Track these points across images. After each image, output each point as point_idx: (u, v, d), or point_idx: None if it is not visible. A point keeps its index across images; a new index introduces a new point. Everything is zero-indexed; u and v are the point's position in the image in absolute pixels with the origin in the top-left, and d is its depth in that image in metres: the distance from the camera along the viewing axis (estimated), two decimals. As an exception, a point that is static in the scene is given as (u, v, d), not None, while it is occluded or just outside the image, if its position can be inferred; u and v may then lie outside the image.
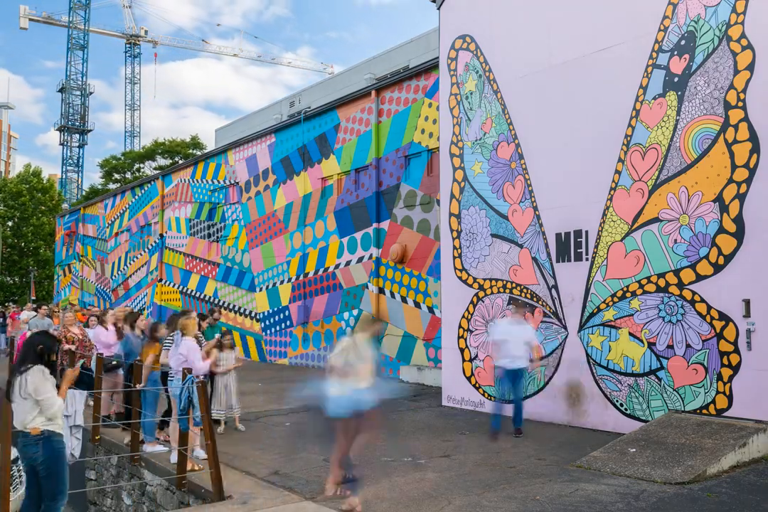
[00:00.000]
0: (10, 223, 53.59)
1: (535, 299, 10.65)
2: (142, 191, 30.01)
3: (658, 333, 9.01)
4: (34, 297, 46.89)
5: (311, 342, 18.81)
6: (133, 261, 30.30)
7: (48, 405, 5.50)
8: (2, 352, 22.76)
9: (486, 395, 11.35)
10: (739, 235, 8.27)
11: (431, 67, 15.51)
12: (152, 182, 29.20)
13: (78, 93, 74.54)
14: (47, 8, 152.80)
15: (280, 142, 20.83)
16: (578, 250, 10.06)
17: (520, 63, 11.11)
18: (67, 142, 74.65)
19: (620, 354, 9.42)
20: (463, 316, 11.85)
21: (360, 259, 17.26)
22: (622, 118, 9.57)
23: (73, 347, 11.21)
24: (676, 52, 9.06)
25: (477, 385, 11.51)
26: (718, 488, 6.59)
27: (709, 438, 7.67)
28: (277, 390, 14.02)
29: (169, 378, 8.28)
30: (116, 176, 59.97)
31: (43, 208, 55.46)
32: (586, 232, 9.96)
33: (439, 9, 12.81)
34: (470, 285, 11.73)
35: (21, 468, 7.54)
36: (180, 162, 46.16)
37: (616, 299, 9.51)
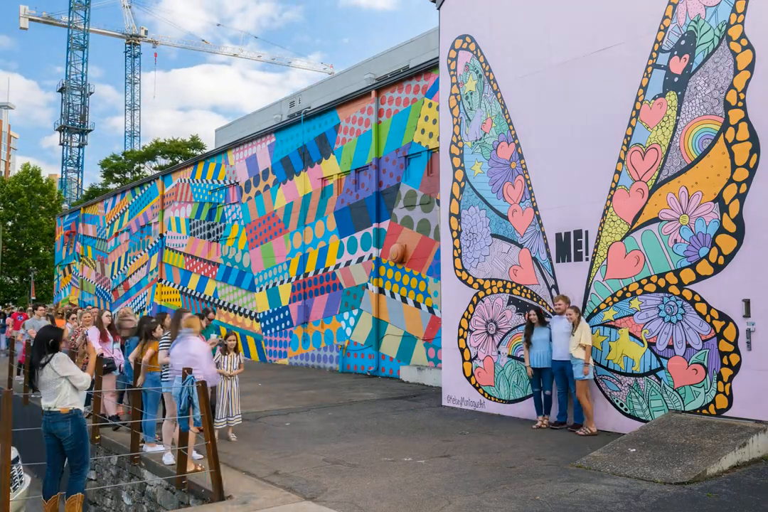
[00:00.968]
0: (9, 223, 53.58)
1: (535, 299, 10.65)
2: (142, 191, 30.01)
3: (658, 333, 9.01)
4: (34, 297, 46.92)
5: (311, 342, 18.81)
6: (133, 261, 30.30)
7: (79, 378, 6.53)
8: (2, 352, 22.76)
9: (486, 395, 11.35)
10: (739, 235, 8.27)
11: (431, 67, 15.52)
12: (152, 182, 29.20)
13: (78, 93, 74.56)
14: (47, 8, 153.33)
15: (280, 142, 20.83)
16: (578, 250, 10.06)
17: (520, 63, 11.11)
18: (67, 142, 74.70)
19: (620, 354, 9.42)
20: (463, 316, 11.85)
21: (360, 259, 17.26)
22: (622, 118, 9.57)
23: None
24: (676, 52, 9.06)
25: (477, 385, 11.51)
26: (718, 488, 6.59)
27: (709, 438, 7.67)
28: (277, 390, 14.02)
29: (162, 379, 8.27)
30: (116, 176, 60.00)
31: (42, 207, 55.46)
32: (586, 232, 9.96)
33: (439, 9, 12.81)
34: (470, 286, 11.73)
35: (21, 468, 7.57)
36: (180, 162, 46.15)
37: (616, 299, 9.51)
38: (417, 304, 15.47)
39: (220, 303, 23.18)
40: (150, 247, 28.77)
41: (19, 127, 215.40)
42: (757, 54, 8.23)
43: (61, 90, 74.52)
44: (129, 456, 8.37)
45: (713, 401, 8.41)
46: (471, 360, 11.68)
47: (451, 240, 12.18)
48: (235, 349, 9.40)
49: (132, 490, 8.51)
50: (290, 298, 19.72)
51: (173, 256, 26.70)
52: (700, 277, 8.60)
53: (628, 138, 9.48)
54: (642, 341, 9.17)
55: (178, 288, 26.16)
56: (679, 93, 8.98)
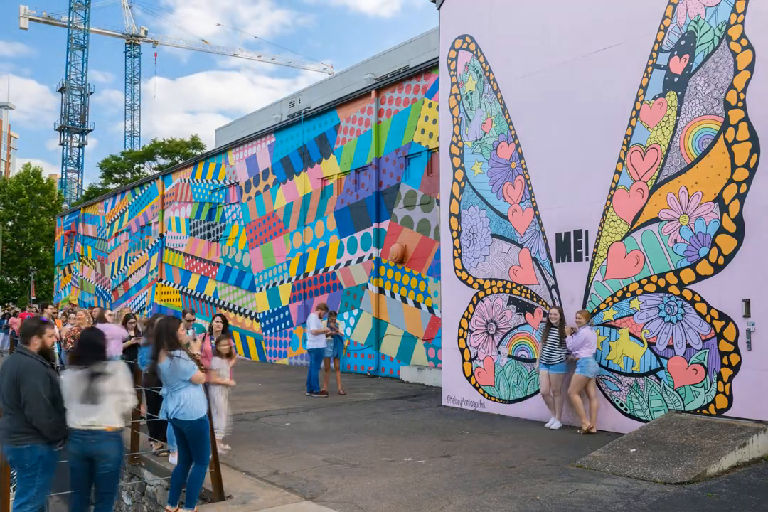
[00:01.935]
0: (10, 223, 53.58)
1: (535, 299, 10.65)
2: (142, 191, 30.02)
3: (658, 333, 9.01)
4: (34, 297, 46.91)
5: (311, 342, 18.79)
6: (133, 261, 30.31)
7: (129, 397, 5.63)
8: (3, 352, 22.76)
9: (486, 395, 11.35)
10: (739, 235, 8.27)
11: (431, 67, 15.52)
12: (152, 182, 29.20)
13: (78, 93, 74.57)
14: (47, 8, 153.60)
15: (280, 142, 20.83)
16: (578, 250, 10.06)
17: (520, 63, 11.11)
18: (67, 142, 74.69)
19: (620, 354, 9.42)
20: (463, 316, 11.85)
21: (360, 259, 17.27)
22: (622, 118, 9.57)
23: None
24: (676, 52, 9.06)
25: (477, 385, 11.51)
26: (718, 488, 6.59)
27: (709, 438, 7.67)
28: (277, 390, 14.02)
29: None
30: (116, 176, 60.00)
31: (42, 208, 55.48)
32: (586, 232, 9.96)
33: (439, 9, 12.81)
34: (470, 285, 11.73)
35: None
36: (180, 162, 46.15)
37: (616, 299, 9.51)
38: (417, 304, 15.47)
39: (220, 303, 23.18)
40: (150, 247, 28.77)
41: (30, 130, 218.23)
42: (757, 54, 8.23)
43: (61, 90, 74.54)
44: (129, 456, 8.35)
45: (713, 401, 8.41)
46: (471, 360, 11.68)
47: (451, 240, 12.18)
48: (228, 355, 8.47)
49: (132, 490, 8.50)
50: (290, 298, 19.72)
51: (173, 256, 26.70)
52: (700, 277, 8.60)
53: (628, 138, 9.48)
54: (642, 341, 9.17)
55: (178, 288, 26.16)
56: (679, 93, 8.98)
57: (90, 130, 75.86)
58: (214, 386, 8.15)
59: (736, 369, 8.21)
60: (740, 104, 8.34)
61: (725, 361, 8.31)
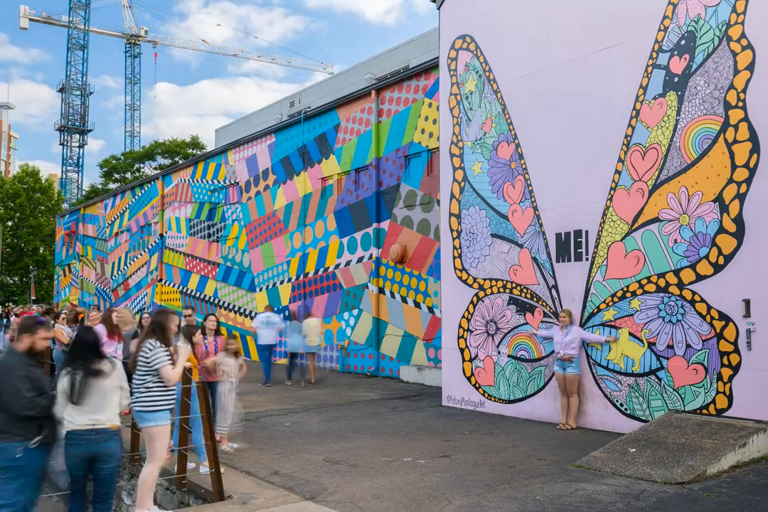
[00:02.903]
0: (9, 223, 53.58)
1: (535, 299, 10.65)
2: (142, 191, 30.01)
3: (658, 333, 9.01)
4: (34, 297, 46.93)
5: (311, 342, 18.78)
6: (133, 261, 30.30)
7: (126, 393, 5.63)
8: (3, 352, 22.74)
9: (486, 395, 11.35)
10: (739, 235, 8.26)
11: (431, 67, 15.52)
12: (152, 182, 29.20)
13: (78, 93, 74.54)
14: (47, 8, 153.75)
15: (280, 142, 20.83)
16: (578, 250, 10.06)
17: (520, 63, 11.11)
18: (67, 142, 74.66)
19: (620, 354, 9.42)
20: (463, 316, 11.85)
21: (360, 259, 17.26)
22: (622, 118, 9.57)
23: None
24: (676, 52, 9.06)
25: (477, 385, 11.51)
26: (718, 488, 6.59)
27: (709, 438, 7.67)
28: (277, 390, 14.02)
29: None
30: (116, 176, 60.00)
31: (41, 208, 55.47)
32: (586, 232, 9.96)
33: (439, 9, 12.81)
34: (470, 285, 11.73)
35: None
36: (180, 162, 46.15)
37: (616, 299, 9.51)
38: (417, 304, 15.47)
39: (220, 304, 23.18)
40: (150, 247, 28.77)
41: (38, 133, 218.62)
42: (757, 54, 8.23)
43: (61, 90, 74.51)
44: (129, 456, 8.35)
45: (713, 401, 8.41)
46: (471, 360, 11.68)
47: (451, 240, 12.18)
48: (236, 354, 8.68)
49: (132, 490, 8.50)
50: (290, 298, 19.72)
51: (173, 255, 26.70)
52: (700, 277, 8.60)
53: (628, 138, 9.48)
54: (642, 341, 9.17)
55: (178, 288, 26.15)
56: (679, 93, 8.98)
57: (90, 130, 75.81)
58: (222, 384, 8.31)
59: (736, 369, 8.21)
60: (740, 104, 8.34)
61: (725, 361, 8.31)
